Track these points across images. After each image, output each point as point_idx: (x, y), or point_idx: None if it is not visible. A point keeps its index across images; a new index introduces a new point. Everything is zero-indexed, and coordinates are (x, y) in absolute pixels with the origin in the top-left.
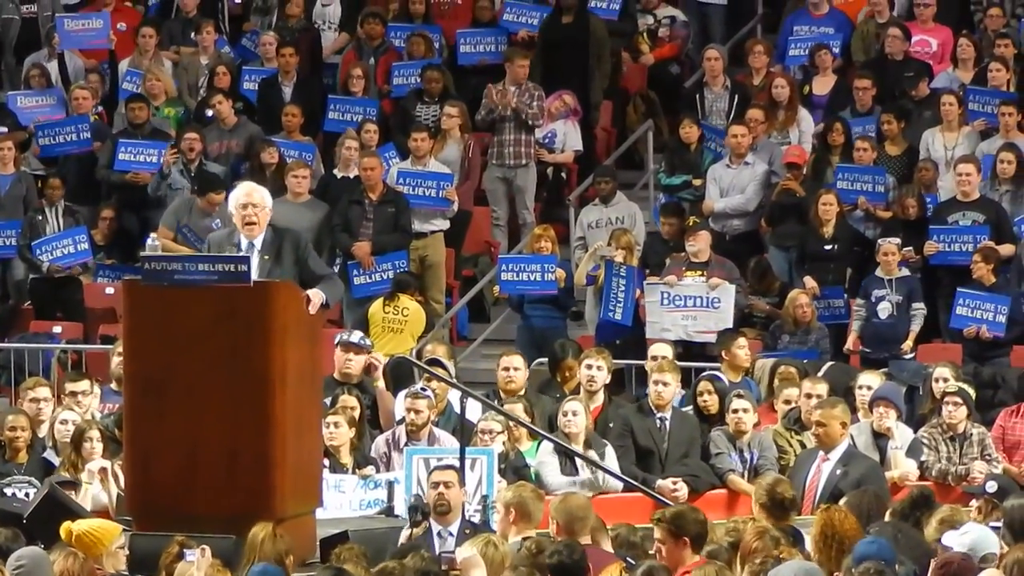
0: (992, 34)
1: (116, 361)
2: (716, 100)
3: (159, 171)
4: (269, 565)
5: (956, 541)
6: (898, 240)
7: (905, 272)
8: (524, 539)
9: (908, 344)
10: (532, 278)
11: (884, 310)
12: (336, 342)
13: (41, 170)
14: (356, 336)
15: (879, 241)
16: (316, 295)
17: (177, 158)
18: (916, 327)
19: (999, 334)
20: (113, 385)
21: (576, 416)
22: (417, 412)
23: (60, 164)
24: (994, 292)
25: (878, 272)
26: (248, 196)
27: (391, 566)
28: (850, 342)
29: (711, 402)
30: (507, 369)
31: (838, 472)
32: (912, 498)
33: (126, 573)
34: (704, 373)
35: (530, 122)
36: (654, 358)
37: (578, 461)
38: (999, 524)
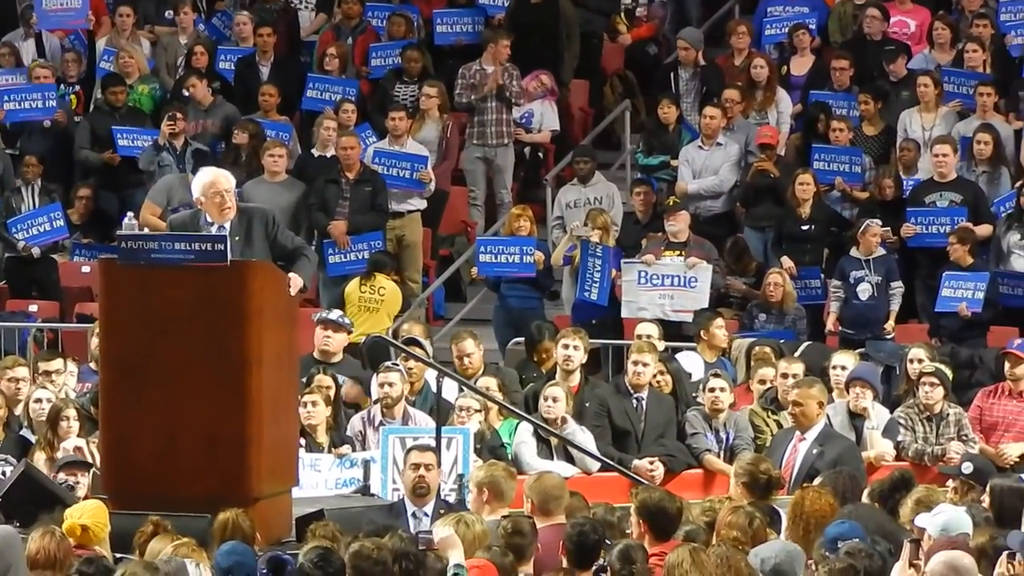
0: (970, 15)
1: (95, 342)
2: (689, 81)
3: (153, 143)
4: (238, 543)
5: (929, 522)
6: (879, 221)
7: (882, 251)
8: (502, 518)
9: (891, 324)
10: (511, 260)
11: (864, 291)
12: (316, 319)
13: (11, 149)
14: (335, 314)
15: (868, 222)
16: (296, 279)
17: (174, 131)
18: (895, 306)
19: (978, 311)
20: (92, 364)
21: (557, 403)
22: (391, 385)
23: (25, 138)
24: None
25: (854, 252)
26: (218, 183)
27: (368, 546)
28: (830, 323)
29: (663, 383)
30: (460, 358)
31: (814, 452)
32: (892, 480)
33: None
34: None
35: (513, 100)
36: (639, 337)
37: (554, 445)
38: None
